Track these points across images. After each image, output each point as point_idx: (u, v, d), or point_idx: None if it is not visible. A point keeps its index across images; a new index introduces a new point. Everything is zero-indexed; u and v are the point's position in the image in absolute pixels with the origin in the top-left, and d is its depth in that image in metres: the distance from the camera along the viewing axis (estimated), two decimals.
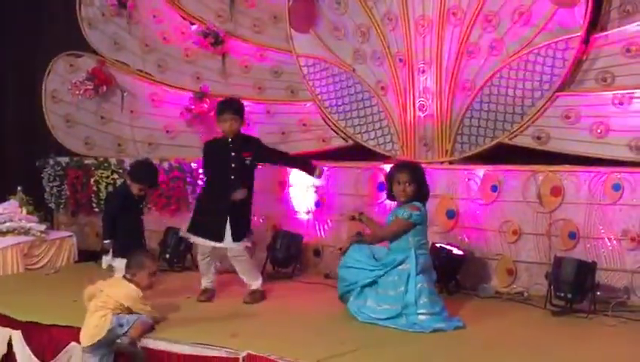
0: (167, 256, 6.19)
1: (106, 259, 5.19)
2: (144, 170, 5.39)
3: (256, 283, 5.17)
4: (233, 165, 5.10)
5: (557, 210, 5.13)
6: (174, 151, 6.78)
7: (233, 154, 5.12)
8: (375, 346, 4.07)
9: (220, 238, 5.03)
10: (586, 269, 4.74)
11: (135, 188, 5.22)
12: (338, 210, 5.95)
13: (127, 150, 7.03)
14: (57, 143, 7.25)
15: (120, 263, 4.75)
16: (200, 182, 6.49)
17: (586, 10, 5.13)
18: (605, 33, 5.20)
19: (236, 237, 5.04)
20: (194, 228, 5.17)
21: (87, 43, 7.13)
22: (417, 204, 4.64)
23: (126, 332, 4.17)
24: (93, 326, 4.15)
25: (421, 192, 4.65)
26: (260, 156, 5.26)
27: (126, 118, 7.02)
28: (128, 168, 5.42)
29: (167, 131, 6.86)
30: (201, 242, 5.14)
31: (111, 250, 5.12)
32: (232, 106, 5.20)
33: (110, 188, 6.82)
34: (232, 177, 5.08)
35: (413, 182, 4.63)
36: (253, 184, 5.23)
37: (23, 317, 4.67)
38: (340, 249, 4.87)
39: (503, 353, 3.99)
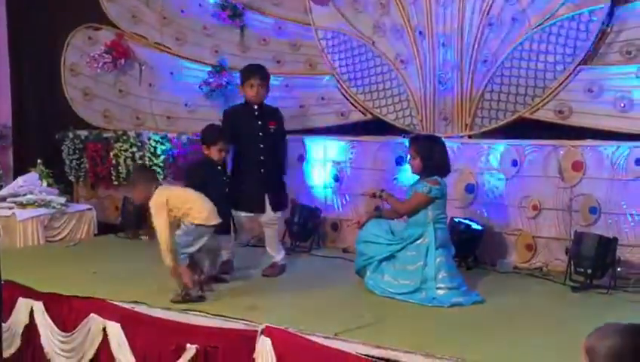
0: None
1: None
2: (214, 129, 5.05)
3: (279, 256, 5.17)
4: (261, 134, 5.05)
5: (578, 184, 5.07)
6: (193, 124, 6.74)
7: (260, 122, 5.07)
8: (393, 320, 4.07)
9: (262, 210, 5.03)
10: (607, 245, 4.69)
11: (215, 153, 4.88)
12: (356, 185, 5.94)
13: (145, 123, 7.04)
14: (76, 116, 7.28)
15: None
16: None
17: None
18: (631, 4, 5.08)
19: (275, 207, 5.07)
20: (237, 204, 5.05)
21: (105, 16, 7.11)
22: (437, 178, 4.61)
23: None
24: None
25: (426, 166, 4.60)
26: (280, 128, 5.23)
27: (144, 91, 7.02)
28: (201, 138, 5.07)
29: (186, 104, 6.85)
30: (243, 215, 5.09)
31: None
32: (260, 71, 5.15)
33: (129, 162, 6.86)
34: (262, 146, 5.03)
35: (417, 155, 4.62)
36: (284, 154, 5.24)
37: (44, 288, 4.71)
38: (358, 222, 4.87)
39: (522, 328, 3.98)
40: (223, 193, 4.91)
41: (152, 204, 4.43)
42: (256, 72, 5.13)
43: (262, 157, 5.06)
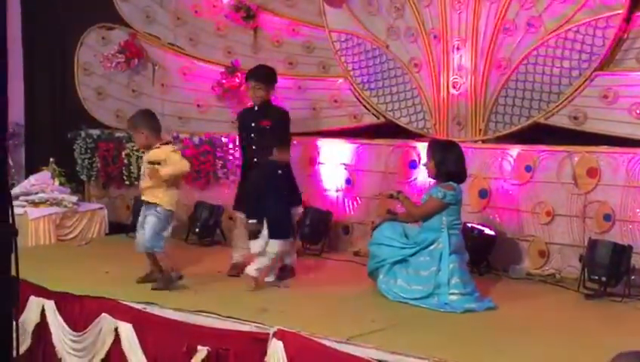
0: (197, 230, 6.21)
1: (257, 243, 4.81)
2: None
3: (289, 259, 5.15)
4: (252, 135, 5.09)
5: (592, 191, 5.04)
6: (205, 125, 6.77)
7: (253, 124, 5.11)
8: (406, 325, 4.05)
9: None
10: (622, 252, 4.66)
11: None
12: (368, 188, 5.92)
13: None
14: (89, 116, 7.29)
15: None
16: (230, 157, 6.50)
17: None
18: None
19: None
20: (237, 204, 5.16)
21: (119, 15, 7.13)
22: (452, 183, 4.59)
23: None
24: None
25: (440, 171, 4.59)
26: (276, 127, 5.08)
27: (157, 91, 7.02)
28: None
29: (198, 105, 6.85)
30: (243, 218, 5.10)
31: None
32: (255, 74, 5.20)
33: (141, 162, 6.83)
34: (254, 147, 5.05)
35: (430, 159, 4.63)
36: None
37: (56, 287, 4.71)
38: (372, 223, 4.85)
39: (535, 335, 3.95)
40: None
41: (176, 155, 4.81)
42: (251, 75, 5.21)
43: (255, 159, 5.04)
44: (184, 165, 4.83)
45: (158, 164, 4.74)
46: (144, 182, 4.83)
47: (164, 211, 4.76)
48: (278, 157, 4.84)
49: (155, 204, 4.77)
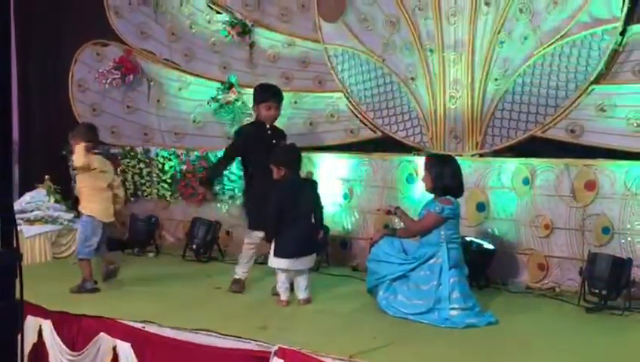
0: (194, 246, 6.18)
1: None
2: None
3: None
4: (268, 153, 5.03)
5: (591, 204, 5.04)
6: (201, 141, 6.75)
7: (274, 141, 5.10)
8: (407, 341, 4.02)
9: None
10: (621, 266, 4.66)
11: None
12: (366, 202, 5.91)
13: (153, 139, 7.02)
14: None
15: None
16: (226, 172, 6.46)
17: (624, 0, 5.01)
18: None
19: None
20: (256, 224, 5.03)
21: (113, 32, 7.12)
22: (450, 197, 4.59)
23: None
24: None
25: (436, 185, 4.59)
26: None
27: (152, 107, 7.01)
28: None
29: (194, 121, 6.83)
30: (258, 235, 5.03)
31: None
32: (278, 94, 5.23)
33: (137, 178, 6.84)
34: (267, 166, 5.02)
35: (428, 173, 4.64)
36: None
37: (53, 306, 4.67)
38: (371, 239, 4.84)
39: (537, 350, 3.93)
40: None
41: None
42: (275, 95, 5.21)
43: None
44: (78, 161, 5.07)
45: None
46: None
47: (86, 218, 5.12)
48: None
49: (81, 213, 5.20)
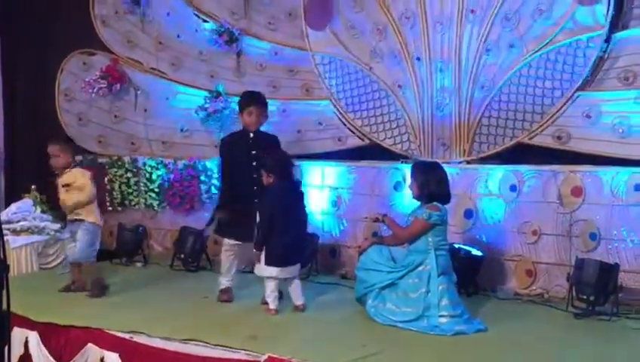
0: (182, 255, 6.15)
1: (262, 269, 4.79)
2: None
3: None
4: (254, 163, 5.00)
5: (578, 210, 5.07)
6: (188, 149, 6.74)
7: (254, 151, 5.03)
8: (397, 349, 4.02)
9: (250, 238, 4.94)
10: (609, 271, 4.68)
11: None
12: (354, 210, 5.90)
13: (141, 148, 7.00)
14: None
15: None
16: (215, 181, 6.46)
17: (608, 7, 5.06)
18: (627, 31, 5.12)
19: None
20: (222, 229, 5.14)
21: (100, 41, 7.10)
22: (437, 204, 4.59)
23: None
24: None
25: (423, 192, 4.61)
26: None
27: (140, 116, 6.98)
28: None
29: (182, 130, 6.82)
30: (233, 242, 5.08)
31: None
32: (260, 99, 5.16)
33: (124, 187, 6.81)
34: (255, 175, 4.99)
35: (414, 181, 4.66)
36: None
37: (39, 317, 4.63)
38: (359, 247, 4.83)
39: (527, 356, 3.94)
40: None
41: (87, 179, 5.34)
42: (256, 100, 5.13)
43: (255, 187, 5.00)
44: (85, 195, 5.30)
45: (69, 186, 5.29)
46: (65, 203, 5.33)
47: (91, 225, 5.29)
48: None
49: (82, 220, 5.29)
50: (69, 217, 5.39)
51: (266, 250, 4.70)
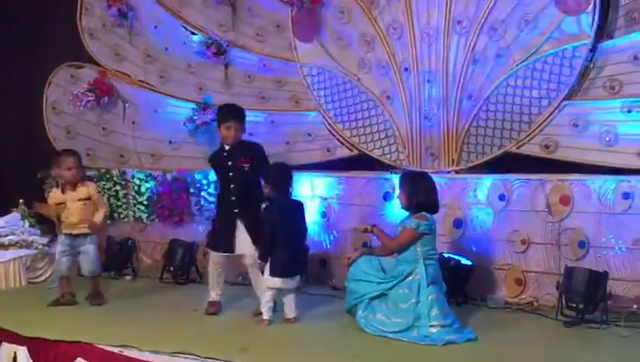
0: (172, 268, 6.13)
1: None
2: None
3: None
4: (231, 173, 5.03)
5: (566, 218, 5.09)
6: (177, 162, 6.73)
7: (230, 163, 5.05)
8: (387, 360, 4.02)
9: (231, 249, 4.98)
10: (598, 279, 4.70)
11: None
12: (344, 221, 5.91)
13: (129, 161, 6.98)
14: (59, 155, 7.17)
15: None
16: (203, 193, 6.46)
17: (594, 17, 5.10)
18: (613, 41, 5.17)
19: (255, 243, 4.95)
20: (210, 243, 5.20)
21: (88, 54, 7.09)
22: (425, 213, 4.61)
23: None
24: None
25: (411, 202, 4.62)
26: (258, 163, 5.09)
27: (128, 129, 6.97)
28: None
29: (170, 142, 6.80)
30: (218, 254, 5.09)
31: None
32: (234, 112, 5.14)
33: (113, 200, 6.78)
34: (232, 186, 5.01)
35: (402, 191, 4.67)
36: (257, 190, 5.06)
37: (28, 332, 4.60)
38: (349, 259, 4.84)
39: None
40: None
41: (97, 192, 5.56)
42: (232, 114, 5.10)
43: (233, 198, 5.00)
44: (105, 208, 5.67)
45: (88, 199, 5.37)
46: (75, 217, 5.33)
47: (95, 237, 5.44)
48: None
49: (88, 234, 5.36)
50: (73, 231, 5.33)
51: (270, 262, 4.75)
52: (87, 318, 5.02)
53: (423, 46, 5.67)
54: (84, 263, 5.36)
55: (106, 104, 6.95)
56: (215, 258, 5.12)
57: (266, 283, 4.77)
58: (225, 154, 5.10)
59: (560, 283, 4.82)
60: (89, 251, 5.33)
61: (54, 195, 5.50)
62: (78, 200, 5.34)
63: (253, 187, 5.05)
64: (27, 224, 6.49)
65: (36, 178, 7.10)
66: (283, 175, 4.91)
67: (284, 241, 4.73)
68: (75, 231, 5.34)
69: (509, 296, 5.27)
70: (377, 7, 5.83)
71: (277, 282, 4.73)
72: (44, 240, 6.41)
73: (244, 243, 4.94)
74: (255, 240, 4.91)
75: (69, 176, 5.37)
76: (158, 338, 4.38)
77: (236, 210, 4.97)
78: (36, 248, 6.29)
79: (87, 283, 5.47)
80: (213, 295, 5.12)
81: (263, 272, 4.81)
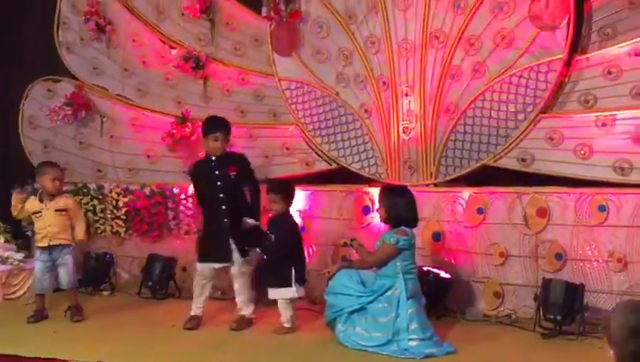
0: (150, 283, 6.08)
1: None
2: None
3: (247, 310, 5.12)
4: (219, 183, 5.07)
5: (543, 231, 5.14)
6: (155, 176, 6.69)
7: (217, 172, 5.10)
8: None
9: (227, 259, 5.04)
10: (575, 291, 4.75)
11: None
12: (322, 235, 5.91)
13: (106, 176, 6.93)
14: (35, 170, 7.11)
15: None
16: (182, 208, 6.43)
17: (568, 32, 5.18)
18: (586, 56, 5.24)
19: (243, 253, 5.05)
20: (204, 255, 5.17)
21: (65, 68, 7.04)
22: (405, 228, 4.62)
23: None
24: None
25: (390, 216, 4.64)
26: (243, 173, 5.21)
27: (105, 143, 6.92)
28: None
29: (148, 156, 6.77)
30: (211, 267, 5.11)
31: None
32: (221, 124, 5.21)
33: (90, 215, 6.71)
34: (221, 195, 5.05)
35: (381, 205, 4.69)
36: (254, 198, 5.24)
37: (4, 349, 4.54)
38: (328, 272, 4.84)
39: None
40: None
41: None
42: (219, 126, 5.17)
43: (223, 206, 5.05)
44: (84, 219, 5.71)
45: (64, 211, 5.42)
46: (53, 228, 5.34)
47: (71, 249, 5.45)
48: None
49: (69, 245, 5.41)
50: (49, 242, 5.34)
51: (295, 272, 4.94)
52: (64, 334, 4.96)
53: (400, 60, 5.71)
54: (63, 276, 5.34)
55: (84, 118, 6.89)
56: (204, 271, 5.11)
57: (289, 294, 4.91)
58: (213, 164, 5.12)
59: (537, 296, 4.85)
60: (67, 262, 5.33)
61: (31, 202, 5.46)
62: (55, 210, 5.36)
63: (241, 197, 5.16)
64: (2, 239, 6.41)
65: (10, 193, 7.01)
66: (293, 190, 5.17)
67: (300, 252, 5.11)
68: (52, 243, 5.33)
69: (487, 309, 5.30)
70: (355, 21, 5.88)
71: (301, 291, 4.96)
72: (20, 255, 6.34)
73: (234, 252, 5.03)
74: (243, 252, 5.03)
75: (51, 187, 5.37)
76: (137, 354, 4.35)
77: (226, 220, 5.04)
78: (12, 264, 6.22)
79: (63, 299, 5.42)
80: (195, 309, 5.10)
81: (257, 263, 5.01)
